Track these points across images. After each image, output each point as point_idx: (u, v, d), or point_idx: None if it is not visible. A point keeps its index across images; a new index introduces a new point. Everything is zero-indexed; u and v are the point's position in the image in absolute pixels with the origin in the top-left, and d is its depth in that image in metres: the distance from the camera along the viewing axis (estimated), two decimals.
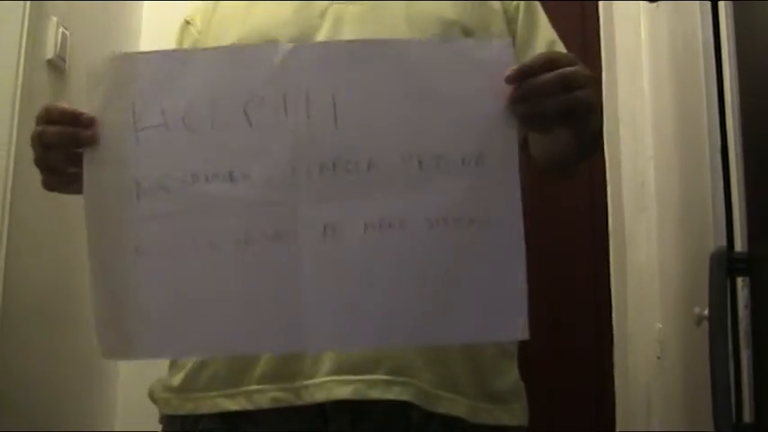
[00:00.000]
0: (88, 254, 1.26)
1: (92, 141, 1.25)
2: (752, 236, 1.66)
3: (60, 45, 2.77)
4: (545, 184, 3.42)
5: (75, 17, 2.87)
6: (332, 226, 1.19)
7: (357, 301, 1.19)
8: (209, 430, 1.44)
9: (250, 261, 1.20)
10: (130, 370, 2.94)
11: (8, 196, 2.39)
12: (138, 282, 1.23)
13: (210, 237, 1.21)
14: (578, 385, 3.26)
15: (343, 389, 1.36)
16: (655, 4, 2.88)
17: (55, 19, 2.75)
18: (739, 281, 1.65)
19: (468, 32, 1.54)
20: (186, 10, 1.74)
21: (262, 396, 1.40)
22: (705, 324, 1.65)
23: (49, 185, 1.37)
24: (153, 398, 1.54)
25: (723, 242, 1.80)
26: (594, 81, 1.25)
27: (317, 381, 1.37)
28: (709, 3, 1.96)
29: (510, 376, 1.54)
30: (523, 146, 1.48)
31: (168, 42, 1.73)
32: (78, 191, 1.28)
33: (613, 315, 3.23)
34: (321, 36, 1.51)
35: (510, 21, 1.63)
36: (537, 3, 1.71)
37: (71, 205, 1.38)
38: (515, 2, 1.66)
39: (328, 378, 1.37)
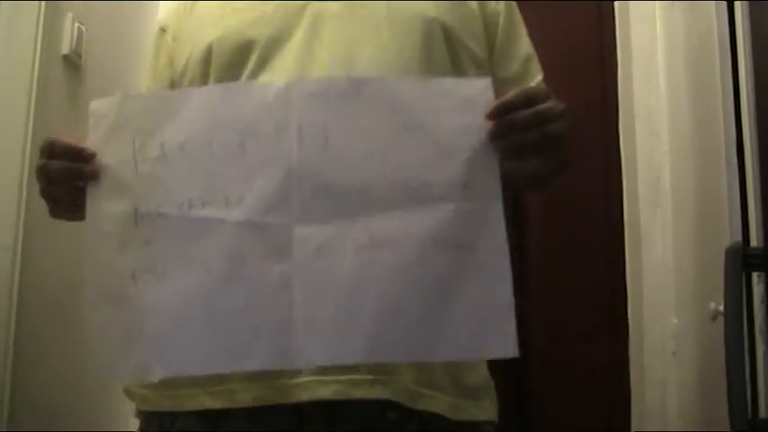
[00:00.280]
0: (86, 279, 1.31)
1: (93, 176, 1.32)
2: None
3: (76, 41, 2.79)
4: (558, 180, 3.43)
5: (90, 13, 2.88)
6: (324, 247, 1.24)
7: (347, 318, 1.22)
8: (186, 429, 1.44)
9: (244, 281, 1.25)
10: None
11: (24, 192, 2.39)
12: (136, 305, 1.27)
13: (206, 259, 1.26)
14: (593, 380, 3.25)
15: (327, 388, 1.36)
16: (670, 3, 2.88)
17: (71, 15, 2.76)
18: (755, 276, 1.65)
19: (447, 31, 1.55)
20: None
21: (245, 394, 1.40)
22: (721, 319, 1.65)
23: (55, 215, 1.43)
24: (129, 393, 1.53)
25: (738, 237, 1.79)
26: (566, 113, 1.33)
27: (300, 380, 1.37)
28: (724, 2, 1.95)
29: (480, 372, 1.54)
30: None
31: None
32: (83, 218, 1.34)
33: (629, 310, 3.23)
34: (300, 34, 1.51)
35: (488, 25, 1.65)
36: (517, 11, 1.73)
37: None
38: (494, 6, 1.67)
39: (312, 378, 1.37)
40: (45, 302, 2.54)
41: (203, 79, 1.54)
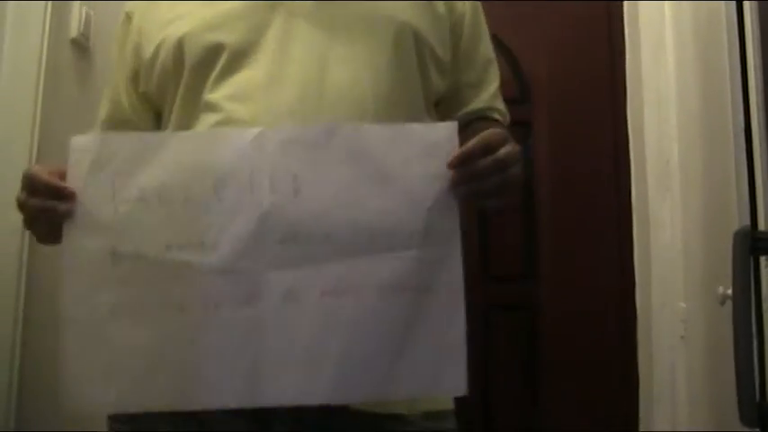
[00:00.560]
0: (60, 311, 1.33)
1: (68, 216, 1.34)
2: None
3: (84, 24, 2.80)
4: (569, 164, 3.43)
5: None
6: (291, 292, 1.29)
7: (313, 360, 1.28)
8: (154, 429, 1.44)
9: (217, 323, 1.29)
10: None
11: None
12: (110, 341, 1.31)
13: (181, 301, 1.30)
14: (602, 364, 3.26)
15: None
16: None
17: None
18: (763, 260, 1.65)
19: (417, 35, 1.56)
20: None
21: None
22: (729, 303, 1.65)
23: (41, 242, 1.44)
24: None
25: (747, 221, 1.79)
26: (519, 153, 1.38)
27: None
28: None
29: None
30: None
31: None
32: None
33: (637, 294, 3.23)
34: (273, 30, 1.51)
35: (454, 28, 1.66)
36: (481, 11, 1.73)
37: None
38: (461, 8, 1.67)
39: None
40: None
41: (176, 76, 1.54)
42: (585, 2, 3.49)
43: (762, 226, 1.75)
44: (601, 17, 3.50)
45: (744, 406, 1.53)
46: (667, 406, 2.97)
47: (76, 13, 2.78)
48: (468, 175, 1.32)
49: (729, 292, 1.63)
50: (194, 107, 1.51)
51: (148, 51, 1.57)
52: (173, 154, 1.34)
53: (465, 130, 1.41)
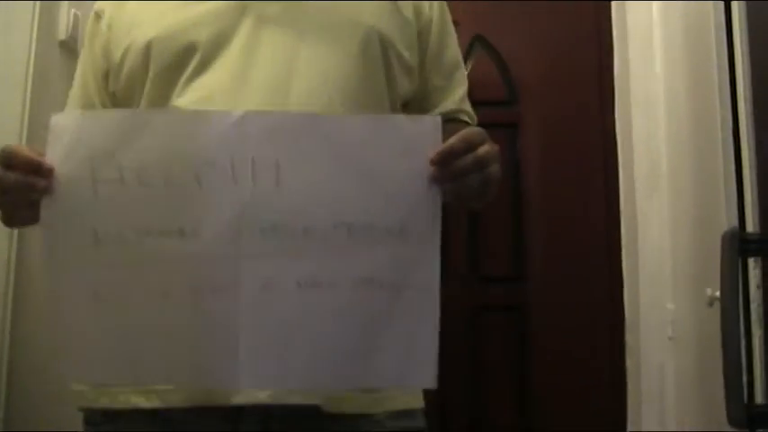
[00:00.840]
0: (46, 295, 1.34)
1: (46, 191, 1.31)
2: (764, 216, 1.67)
3: (72, 26, 2.79)
4: (557, 165, 3.44)
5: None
6: (269, 281, 1.30)
7: (288, 347, 1.30)
8: (122, 429, 1.45)
9: (197, 309, 1.30)
10: None
11: None
12: (95, 322, 1.32)
13: (163, 286, 1.30)
14: (590, 365, 3.27)
15: (261, 392, 1.39)
16: None
17: (66, 1, 2.77)
18: (751, 261, 1.66)
19: (384, 39, 1.56)
20: None
21: (177, 394, 1.42)
22: (717, 304, 1.66)
23: (6, 224, 1.43)
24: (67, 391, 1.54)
25: (735, 223, 1.80)
26: (498, 153, 1.38)
27: None
28: None
29: None
30: None
31: None
32: (31, 223, 1.35)
33: (625, 295, 3.24)
34: (241, 34, 1.51)
35: (422, 32, 1.65)
36: (448, 13, 1.73)
37: None
38: (428, 12, 1.67)
39: None
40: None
41: (143, 77, 1.53)
42: (573, 2, 3.50)
43: (750, 227, 1.75)
44: (588, 18, 3.51)
45: (732, 407, 1.54)
46: (656, 407, 2.97)
47: (65, 15, 2.77)
48: (451, 173, 1.32)
49: (718, 293, 1.63)
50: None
51: (116, 55, 1.57)
52: (153, 134, 1.32)
53: None
